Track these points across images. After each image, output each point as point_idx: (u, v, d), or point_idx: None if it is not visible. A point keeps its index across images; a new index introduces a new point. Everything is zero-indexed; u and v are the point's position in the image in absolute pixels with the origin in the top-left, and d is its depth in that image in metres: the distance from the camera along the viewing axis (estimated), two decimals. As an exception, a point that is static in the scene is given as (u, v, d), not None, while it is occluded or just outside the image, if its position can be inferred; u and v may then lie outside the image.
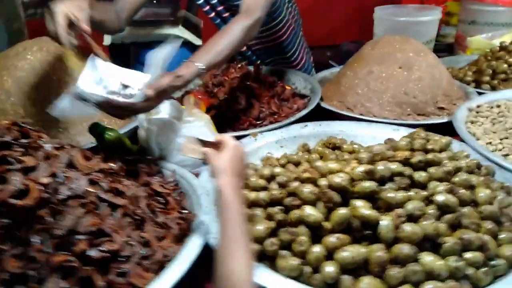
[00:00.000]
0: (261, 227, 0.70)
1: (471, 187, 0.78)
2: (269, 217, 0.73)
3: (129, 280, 0.59)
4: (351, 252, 0.63)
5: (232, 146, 0.67)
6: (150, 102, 0.89)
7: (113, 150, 0.95)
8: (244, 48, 1.66)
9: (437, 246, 0.66)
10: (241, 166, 0.67)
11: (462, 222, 0.70)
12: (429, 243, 0.66)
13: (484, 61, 1.57)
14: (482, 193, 0.75)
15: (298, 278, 0.65)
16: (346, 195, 0.72)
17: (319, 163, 0.79)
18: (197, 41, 1.75)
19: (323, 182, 0.73)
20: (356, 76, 1.38)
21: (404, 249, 0.63)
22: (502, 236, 0.71)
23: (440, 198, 0.70)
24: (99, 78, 0.90)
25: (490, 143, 1.08)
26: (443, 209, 0.70)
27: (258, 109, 1.29)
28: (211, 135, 1.04)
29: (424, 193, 0.73)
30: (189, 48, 1.80)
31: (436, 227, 0.66)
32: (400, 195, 0.69)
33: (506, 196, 0.80)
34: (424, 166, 0.77)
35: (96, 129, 0.98)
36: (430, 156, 0.78)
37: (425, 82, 1.30)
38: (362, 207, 0.68)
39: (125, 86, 0.90)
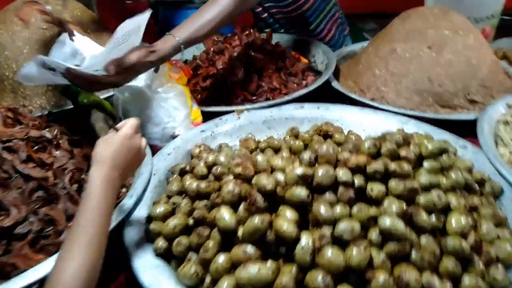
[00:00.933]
0: (172, 222, 0.62)
1: (444, 211, 0.62)
2: (191, 212, 0.65)
3: (11, 260, 0.57)
4: (252, 270, 0.53)
5: (123, 135, 0.59)
6: (114, 78, 0.80)
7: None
8: (265, 14, 1.52)
9: (365, 282, 0.54)
10: (129, 159, 0.59)
11: (411, 256, 0.56)
12: (355, 276, 0.54)
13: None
14: (454, 221, 0.59)
15: (194, 289, 0.57)
16: (277, 200, 0.61)
17: (260, 158, 0.68)
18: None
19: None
20: (377, 54, 1.19)
21: (318, 278, 0.52)
22: (466, 281, 0.56)
23: (384, 221, 0.56)
24: (70, 50, 0.87)
25: (517, 153, 0.86)
26: (386, 236, 0.56)
27: (256, 83, 1.18)
28: (181, 107, 0.96)
29: (372, 211, 0.59)
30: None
31: (367, 257, 0.53)
32: (331, 211, 0.57)
33: (493, 228, 0.63)
34: (382, 178, 0.62)
35: (68, 92, 0.96)
36: (393, 165, 0.62)
37: (457, 67, 1.07)
38: (283, 219, 0.57)
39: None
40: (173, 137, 0.96)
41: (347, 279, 0.53)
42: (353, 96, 1.14)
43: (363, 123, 1.04)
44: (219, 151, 0.95)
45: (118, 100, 0.92)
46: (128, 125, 0.61)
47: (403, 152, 0.66)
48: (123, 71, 0.80)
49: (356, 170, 0.62)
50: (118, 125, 0.62)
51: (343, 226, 0.55)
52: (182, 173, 0.79)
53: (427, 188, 0.63)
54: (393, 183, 0.61)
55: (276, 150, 0.98)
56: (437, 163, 0.69)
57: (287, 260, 0.57)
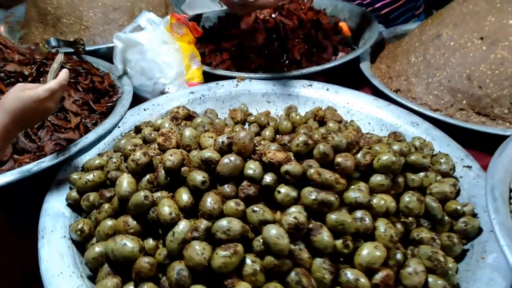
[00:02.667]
0: (86, 177, 0.63)
1: (364, 237, 0.51)
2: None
3: None
4: (118, 243, 0.52)
5: (36, 96, 0.58)
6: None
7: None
8: None
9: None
10: (30, 118, 0.60)
11: (289, 277, 0.48)
12: (215, 279, 0.49)
13: None
14: (364, 252, 0.49)
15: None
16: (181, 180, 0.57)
17: (187, 132, 0.63)
18: None
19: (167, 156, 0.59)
20: (420, 38, 1.00)
21: (175, 269, 0.49)
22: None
23: (268, 232, 0.49)
24: None
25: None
26: (267, 247, 0.49)
27: (275, 51, 1.09)
28: (174, 65, 0.94)
29: (269, 216, 0.52)
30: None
31: (232, 263, 0.47)
32: (217, 204, 0.51)
33: (421, 273, 0.50)
34: (299, 182, 0.53)
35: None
36: (311, 171, 0.53)
37: (510, 68, 0.84)
38: (167, 201, 0.53)
39: None
40: (162, 93, 0.95)
41: (205, 281, 0.49)
42: (375, 82, 0.98)
43: (371, 115, 0.90)
44: (205, 115, 0.93)
45: (117, 48, 0.94)
46: (46, 87, 0.60)
47: (339, 159, 0.55)
48: None
49: (271, 167, 0.54)
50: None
51: (220, 224, 0.50)
52: (138, 130, 0.79)
53: (353, 207, 0.53)
54: (305, 191, 0.52)
55: (262, 127, 0.92)
56: (386, 180, 0.57)
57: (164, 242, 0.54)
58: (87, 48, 1.09)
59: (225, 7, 0.96)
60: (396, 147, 0.66)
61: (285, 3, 1.15)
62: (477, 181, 0.68)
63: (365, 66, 1.06)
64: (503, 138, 0.76)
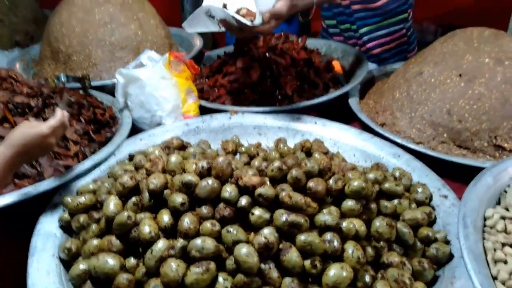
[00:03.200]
0: (78, 199, 0.67)
1: (334, 258, 0.54)
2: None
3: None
4: (101, 260, 0.55)
5: (40, 133, 0.64)
6: (268, 26, 0.89)
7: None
8: None
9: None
10: (33, 153, 0.65)
11: None
12: None
13: None
14: (331, 272, 0.52)
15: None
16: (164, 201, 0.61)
17: (173, 159, 0.68)
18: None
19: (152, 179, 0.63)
20: (404, 75, 1.05)
21: (150, 286, 0.52)
22: None
23: (239, 250, 0.52)
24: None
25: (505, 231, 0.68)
26: (238, 265, 0.52)
27: (268, 87, 1.15)
28: (171, 98, 1.00)
29: (242, 236, 0.55)
30: None
31: (204, 280, 0.50)
32: (193, 224, 0.54)
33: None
34: (273, 205, 0.57)
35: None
36: (283, 194, 0.56)
37: (487, 103, 0.88)
38: (149, 222, 0.57)
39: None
40: (159, 125, 1.01)
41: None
42: (362, 116, 1.03)
43: (356, 147, 0.94)
44: (198, 146, 0.98)
45: (119, 83, 1.01)
46: (48, 124, 0.66)
47: (310, 183, 0.59)
48: (275, 21, 0.88)
49: (247, 191, 0.58)
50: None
51: (195, 243, 0.53)
52: (131, 158, 0.84)
53: (323, 228, 0.56)
54: (277, 213, 0.56)
55: (252, 158, 0.96)
56: (357, 205, 0.60)
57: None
58: (94, 84, 1.17)
59: (223, 29, 0.97)
60: (371, 175, 0.70)
61: (278, 43, 1.23)
62: (452, 210, 0.71)
63: (353, 102, 1.11)
64: (481, 170, 0.80)
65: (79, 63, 1.28)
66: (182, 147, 0.95)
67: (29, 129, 0.64)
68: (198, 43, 1.55)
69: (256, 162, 0.91)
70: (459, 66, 0.94)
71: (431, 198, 0.74)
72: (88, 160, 0.81)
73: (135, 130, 1.02)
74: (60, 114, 0.68)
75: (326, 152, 0.93)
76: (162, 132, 0.98)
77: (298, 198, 0.56)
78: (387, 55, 1.45)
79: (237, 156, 0.99)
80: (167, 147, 0.85)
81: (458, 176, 0.85)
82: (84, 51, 1.28)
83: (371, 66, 1.31)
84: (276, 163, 0.61)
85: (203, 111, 1.09)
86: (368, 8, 1.39)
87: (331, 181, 0.61)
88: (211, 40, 2.80)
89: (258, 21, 0.87)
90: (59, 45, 1.29)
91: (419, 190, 0.74)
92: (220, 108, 1.08)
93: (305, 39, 1.29)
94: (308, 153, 0.94)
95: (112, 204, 0.61)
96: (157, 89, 0.99)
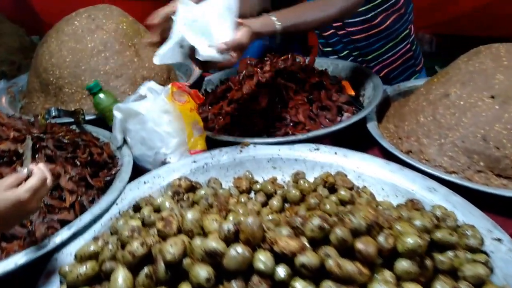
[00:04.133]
0: (77, 269, 0.57)
1: None
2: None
3: None
4: None
5: (17, 199, 0.53)
6: (229, 57, 0.81)
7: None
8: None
9: None
10: (11, 219, 0.55)
11: None
12: None
13: None
14: None
15: None
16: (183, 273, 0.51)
17: (189, 215, 0.58)
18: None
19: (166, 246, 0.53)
20: (427, 97, 0.97)
21: None
22: None
23: None
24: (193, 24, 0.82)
25: None
26: None
27: (278, 114, 1.07)
28: (175, 133, 0.91)
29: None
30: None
31: None
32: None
33: None
34: (316, 275, 0.47)
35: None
36: (330, 262, 0.47)
37: (527, 127, 0.80)
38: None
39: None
40: (164, 163, 0.91)
41: None
42: (384, 144, 0.94)
43: (384, 180, 0.85)
44: (208, 185, 0.88)
45: (116, 119, 0.91)
46: (27, 186, 0.55)
47: (359, 245, 0.49)
48: (236, 52, 0.81)
49: (284, 257, 0.49)
50: (30, 168, 0.57)
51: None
52: (136, 209, 0.74)
53: None
54: (325, 287, 0.46)
55: (269, 196, 0.87)
56: (413, 266, 0.50)
57: None
58: (88, 118, 1.07)
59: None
60: (418, 222, 0.61)
61: (287, 65, 1.15)
62: (510, 257, 0.62)
63: (372, 126, 1.02)
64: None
65: (71, 95, 1.18)
66: (191, 188, 0.85)
67: (3, 193, 0.53)
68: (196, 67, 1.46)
69: (274, 202, 0.83)
70: (490, 87, 0.86)
71: (483, 243, 0.65)
72: (87, 214, 0.71)
73: (136, 169, 0.92)
74: (40, 172, 0.57)
75: (352, 187, 0.84)
76: (167, 172, 0.88)
77: (349, 267, 0.46)
78: (395, 74, 1.38)
79: (252, 194, 0.90)
80: (176, 193, 0.75)
81: (499, 210, 0.77)
82: (77, 82, 1.18)
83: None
84: (316, 221, 0.52)
85: (210, 143, 1.00)
86: (370, 35, 1.32)
87: (381, 239, 0.52)
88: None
89: (211, 53, 0.78)
90: (49, 76, 1.19)
91: (469, 233, 0.65)
92: (230, 140, 0.98)
93: (313, 59, 1.21)
94: (332, 188, 0.85)
95: (120, 279, 0.51)
96: (160, 124, 0.90)
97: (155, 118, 0.90)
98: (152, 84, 0.98)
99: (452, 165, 0.86)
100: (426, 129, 0.92)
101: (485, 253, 0.64)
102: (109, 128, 1.02)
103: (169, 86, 0.93)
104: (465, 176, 0.84)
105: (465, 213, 0.72)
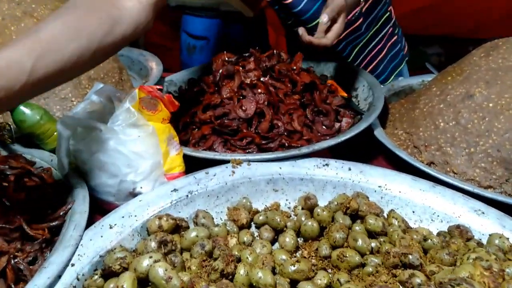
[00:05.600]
0: None
1: None
2: None
3: None
4: None
5: None
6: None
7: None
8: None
9: None
10: None
11: None
12: None
13: None
14: None
15: None
16: None
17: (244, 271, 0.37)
18: (248, 12, 1.36)
19: None
20: (443, 99, 0.84)
21: None
22: None
23: None
24: None
25: None
26: None
27: (269, 122, 0.87)
28: (147, 154, 0.68)
29: None
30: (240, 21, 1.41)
31: None
32: None
33: None
34: None
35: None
36: None
37: None
38: None
39: None
40: (133, 194, 0.68)
41: None
42: (403, 155, 0.80)
43: (413, 202, 0.70)
44: (196, 222, 0.66)
45: (61, 136, 0.65)
46: None
47: None
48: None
49: None
50: None
51: None
52: (107, 274, 0.50)
53: None
54: None
55: (278, 231, 0.67)
56: None
57: None
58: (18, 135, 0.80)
59: None
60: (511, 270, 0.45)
61: (274, 63, 0.96)
62: None
63: (381, 134, 0.87)
64: None
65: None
66: (176, 228, 0.63)
67: None
68: (154, 66, 1.22)
69: (287, 239, 0.64)
70: (522, 86, 0.75)
71: None
72: (28, 287, 0.46)
73: (95, 205, 0.68)
74: None
75: (379, 213, 0.68)
76: (140, 208, 0.64)
77: None
78: (384, 62, 1.26)
79: (252, 228, 0.70)
80: (163, 244, 0.53)
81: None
82: None
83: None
84: None
85: (188, 163, 0.78)
86: (350, 31, 1.18)
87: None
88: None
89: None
90: None
91: (550, 271, 0.52)
92: (216, 158, 0.77)
93: (300, 56, 1.03)
94: (355, 215, 0.68)
95: None
96: (125, 143, 0.66)
97: (119, 134, 0.66)
98: (106, 88, 0.74)
99: (486, 178, 0.73)
100: (449, 136, 0.79)
101: None
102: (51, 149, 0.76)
103: (136, 90, 0.69)
104: (503, 191, 0.72)
105: (531, 242, 0.59)
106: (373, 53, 1.26)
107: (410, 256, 0.52)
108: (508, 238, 0.59)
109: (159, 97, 0.73)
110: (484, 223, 0.63)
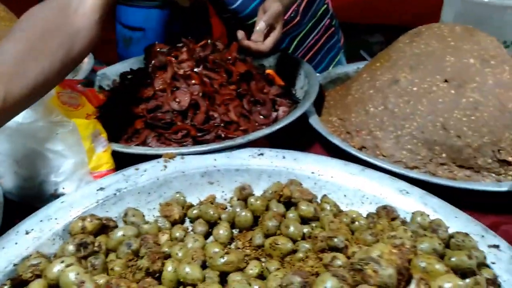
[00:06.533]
0: None
1: None
2: None
3: None
4: None
5: None
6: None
7: None
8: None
9: None
10: None
11: None
12: None
13: None
14: None
15: None
16: None
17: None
18: (184, 1, 1.32)
19: None
20: (373, 84, 0.87)
21: None
22: None
23: None
24: None
25: None
26: None
27: (204, 113, 0.86)
28: (69, 152, 0.64)
29: None
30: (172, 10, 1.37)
31: None
32: None
33: None
34: None
35: None
36: None
37: (485, 112, 0.74)
38: None
39: None
40: (56, 196, 0.64)
41: None
42: (336, 141, 0.81)
43: (345, 186, 0.72)
44: (125, 221, 0.64)
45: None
46: None
47: None
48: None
49: None
50: None
51: None
52: (18, 283, 0.46)
53: None
54: None
55: (212, 224, 0.66)
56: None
57: None
58: None
59: None
60: (426, 246, 0.47)
61: (208, 53, 0.94)
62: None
63: (315, 121, 0.89)
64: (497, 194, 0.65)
65: None
66: (103, 228, 0.60)
67: None
68: (85, 59, 1.16)
69: (221, 231, 0.63)
70: (442, 70, 0.79)
71: (485, 256, 0.55)
72: None
73: (11, 210, 0.63)
74: None
75: (312, 199, 0.69)
76: (62, 210, 0.60)
77: None
78: (322, 53, 1.29)
79: (187, 223, 0.69)
80: (82, 246, 0.50)
81: (466, 204, 0.70)
82: None
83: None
84: (330, 283, 0.34)
85: (120, 160, 0.75)
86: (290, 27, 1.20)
87: (413, 289, 0.36)
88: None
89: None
90: None
91: (464, 243, 0.55)
92: (148, 153, 0.74)
93: (235, 46, 1.02)
94: (289, 203, 0.69)
95: None
96: (44, 141, 0.62)
97: (37, 131, 0.62)
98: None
99: (412, 159, 0.77)
100: (378, 121, 0.81)
101: (488, 266, 0.54)
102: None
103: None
104: (428, 170, 0.75)
105: (449, 217, 0.62)
106: (310, 43, 1.28)
107: (335, 239, 0.53)
108: (428, 215, 0.62)
109: (80, 92, 0.69)
110: (408, 202, 0.66)
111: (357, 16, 2.80)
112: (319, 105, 1.00)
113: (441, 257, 0.48)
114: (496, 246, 0.56)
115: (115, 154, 0.76)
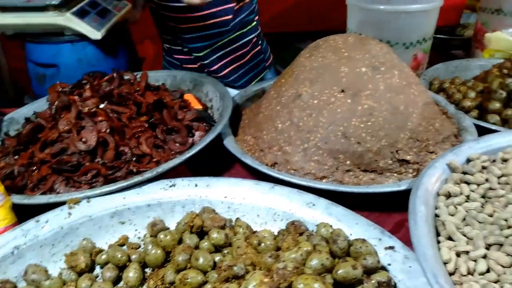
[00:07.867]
0: None
1: None
2: None
3: None
4: None
5: None
6: None
7: None
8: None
9: None
10: None
11: None
12: None
13: (496, 75, 1.02)
14: None
15: None
16: None
17: None
18: (94, 34, 1.29)
19: None
20: (279, 100, 0.89)
21: None
22: None
23: None
24: None
25: (467, 252, 0.58)
26: None
27: (113, 150, 0.83)
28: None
29: None
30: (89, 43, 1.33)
31: None
32: None
33: None
34: None
35: None
36: None
37: (380, 116, 0.79)
38: None
39: None
40: None
41: None
42: (247, 161, 0.82)
43: (258, 205, 0.72)
44: (26, 279, 0.60)
45: None
46: None
47: None
48: None
49: None
50: None
51: None
52: None
53: None
54: None
55: (122, 267, 0.64)
56: None
57: None
58: None
59: None
60: (315, 262, 0.49)
61: (113, 88, 0.92)
62: (409, 266, 0.56)
63: (229, 142, 0.89)
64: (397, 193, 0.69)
65: None
66: (-4, 293, 0.56)
67: None
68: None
69: (130, 274, 0.62)
70: (338, 81, 0.82)
71: (379, 260, 0.57)
72: None
73: None
74: None
75: (224, 225, 0.69)
76: (-51, 281, 0.56)
77: None
78: (245, 68, 1.31)
79: (97, 270, 0.66)
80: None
81: (374, 206, 0.74)
82: None
83: (232, 92, 1.12)
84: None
85: (22, 212, 0.71)
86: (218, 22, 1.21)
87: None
88: (11, 88, 2.20)
89: None
90: None
91: (361, 249, 0.57)
92: (50, 201, 0.71)
93: (146, 75, 1.01)
94: (201, 232, 0.68)
95: None
96: None
97: None
98: None
99: (320, 170, 0.79)
100: (286, 136, 0.83)
101: (384, 268, 0.57)
102: None
103: None
104: (335, 179, 0.78)
105: (351, 224, 0.64)
106: (234, 56, 1.30)
107: (235, 267, 0.53)
108: (331, 226, 0.64)
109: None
110: (314, 215, 0.68)
111: (288, 25, 2.87)
112: (237, 124, 1.01)
113: (331, 270, 0.49)
114: (392, 248, 0.59)
115: (19, 207, 0.72)
